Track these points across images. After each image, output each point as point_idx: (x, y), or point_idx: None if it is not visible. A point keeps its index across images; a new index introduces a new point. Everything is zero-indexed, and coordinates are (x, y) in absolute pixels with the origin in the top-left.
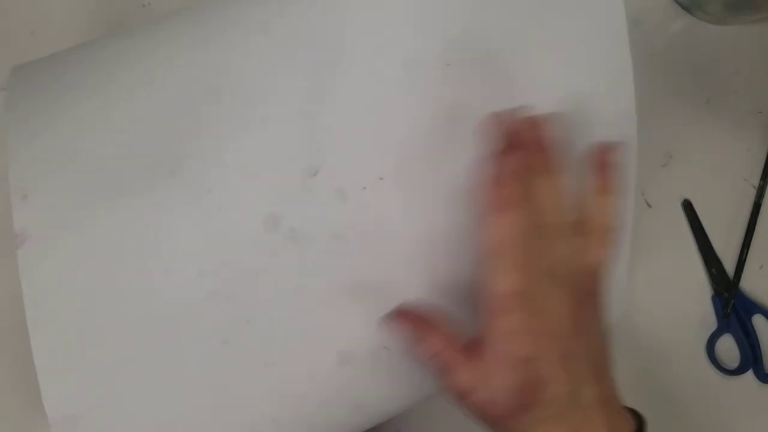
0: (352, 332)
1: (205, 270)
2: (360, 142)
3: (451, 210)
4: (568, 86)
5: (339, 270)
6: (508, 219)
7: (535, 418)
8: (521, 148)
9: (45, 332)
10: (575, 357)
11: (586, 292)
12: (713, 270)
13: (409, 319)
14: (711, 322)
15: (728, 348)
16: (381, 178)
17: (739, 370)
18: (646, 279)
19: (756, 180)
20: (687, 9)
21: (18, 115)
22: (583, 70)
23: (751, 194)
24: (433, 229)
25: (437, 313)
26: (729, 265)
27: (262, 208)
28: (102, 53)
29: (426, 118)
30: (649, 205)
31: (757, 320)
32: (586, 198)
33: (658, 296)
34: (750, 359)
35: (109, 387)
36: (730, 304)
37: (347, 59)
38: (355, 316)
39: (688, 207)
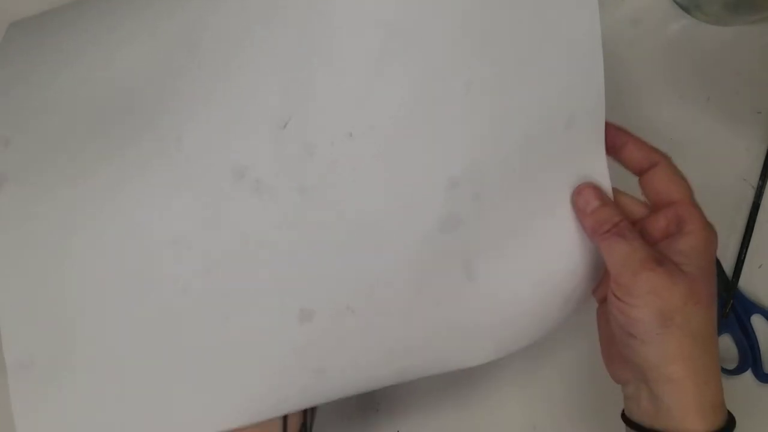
0: (315, 289)
1: (170, 218)
2: (331, 96)
3: (420, 170)
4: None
5: (302, 225)
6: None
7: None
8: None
9: (9, 281)
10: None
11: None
12: None
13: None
14: None
15: (727, 348)
16: (350, 135)
17: (737, 370)
18: None
19: (755, 180)
20: (686, 9)
21: (5, 68)
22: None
23: (750, 194)
24: (399, 189)
25: None
26: (728, 265)
27: (229, 158)
28: (88, 14)
29: (400, 77)
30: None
31: (756, 320)
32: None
33: None
34: (749, 359)
35: (65, 335)
36: (729, 303)
37: (325, 18)
38: (318, 273)
39: None
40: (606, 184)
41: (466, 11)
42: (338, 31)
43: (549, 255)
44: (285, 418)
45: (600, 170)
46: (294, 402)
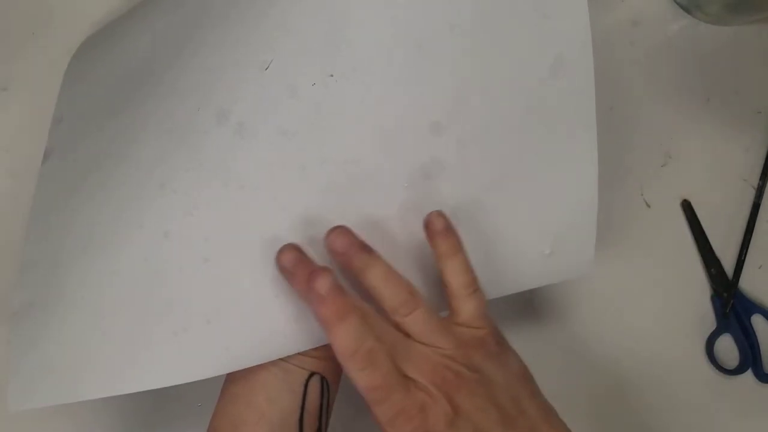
0: (295, 234)
1: (157, 160)
2: (311, 36)
3: (403, 113)
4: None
5: (284, 167)
6: (345, 326)
7: None
8: (336, 254)
9: (35, 233)
10: (464, 414)
11: (468, 345)
12: (712, 270)
13: None
14: (710, 322)
15: (727, 348)
16: (331, 75)
17: (738, 370)
18: (646, 279)
19: (755, 180)
20: (686, 9)
21: (73, 67)
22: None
23: (751, 194)
24: (382, 132)
25: None
26: (728, 265)
27: (213, 102)
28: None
29: (383, 16)
30: (649, 205)
31: (756, 320)
32: (438, 264)
33: (657, 296)
34: (749, 359)
35: (59, 278)
36: (730, 304)
37: None
38: (300, 216)
39: (687, 207)
40: (592, 155)
41: None
42: None
43: (531, 209)
44: (301, 420)
45: (587, 127)
46: (273, 350)
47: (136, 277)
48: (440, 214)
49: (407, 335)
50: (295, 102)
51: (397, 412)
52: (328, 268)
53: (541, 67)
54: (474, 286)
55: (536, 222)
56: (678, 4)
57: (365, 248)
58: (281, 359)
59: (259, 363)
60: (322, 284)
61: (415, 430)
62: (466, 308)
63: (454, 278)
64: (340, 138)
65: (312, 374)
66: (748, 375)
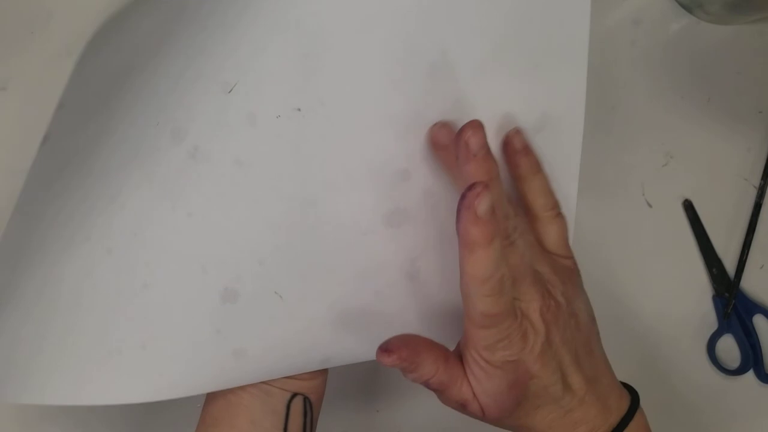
0: (242, 269)
1: (114, 170)
2: (282, 66)
3: (369, 156)
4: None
5: (235, 199)
6: (488, 252)
7: (530, 408)
8: (480, 171)
9: (9, 227)
10: (553, 348)
11: (561, 274)
12: (714, 270)
13: (401, 351)
14: (711, 322)
15: (729, 348)
16: (298, 110)
17: (739, 371)
18: (647, 279)
19: (756, 180)
20: (687, 8)
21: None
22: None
23: (752, 194)
24: (345, 173)
25: (421, 339)
26: (730, 265)
27: (171, 119)
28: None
29: (362, 51)
30: (650, 205)
31: (758, 320)
32: (518, 185)
33: (658, 296)
34: (751, 359)
35: (13, 276)
36: (731, 304)
37: None
38: (247, 253)
39: (688, 207)
40: (571, 203)
41: None
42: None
43: None
44: (286, 420)
45: (568, 183)
46: (209, 382)
47: (77, 291)
48: (519, 131)
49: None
50: (255, 132)
51: (501, 338)
52: (487, 185)
53: (526, 121)
54: (557, 208)
55: None
56: (679, 3)
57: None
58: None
59: (198, 393)
60: (482, 203)
61: (510, 356)
62: (552, 232)
63: (538, 199)
64: (299, 176)
65: (294, 395)
66: (750, 375)
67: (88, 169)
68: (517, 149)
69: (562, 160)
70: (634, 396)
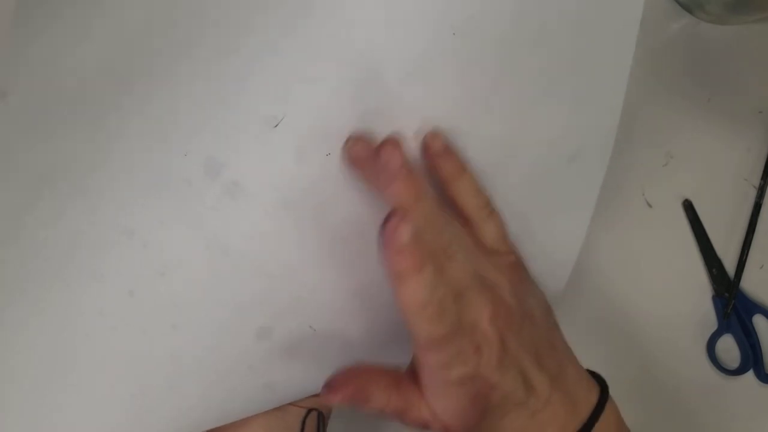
0: (279, 306)
1: (123, 202)
2: (335, 101)
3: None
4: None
5: (279, 239)
6: (420, 278)
7: (496, 418)
8: (405, 192)
9: None
10: (511, 354)
11: (507, 273)
12: (714, 270)
13: (346, 387)
14: (711, 322)
15: (729, 348)
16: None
17: (739, 371)
18: (647, 279)
19: (756, 180)
20: (687, 9)
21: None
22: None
23: (752, 194)
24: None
25: (367, 368)
26: (729, 265)
27: (204, 149)
28: None
29: (417, 85)
30: (650, 205)
31: (758, 320)
32: (445, 190)
33: (658, 296)
34: (750, 359)
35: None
36: (731, 304)
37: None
38: (287, 291)
39: (688, 207)
40: (581, 231)
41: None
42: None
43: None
44: (303, 423)
45: (585, 210)
46: (237, 412)
47: (86, 327)
48: (437, 133)
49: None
50: (304, 169)
51: (453, 357)
52: (406, 213)
53: (562, 155)
54: (490, 205)
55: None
56: (679, 3)
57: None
58: None
59: (222, 423)
60: (403, 233)
61: (467, 372)
62: (490, 231)
63: (469, 200)
64: (345, 213)
65: (309, 411)
66: (750, 375)
67: (83, 198)
68: (437, 152)
69: (583, 192)
70: (603, 386)
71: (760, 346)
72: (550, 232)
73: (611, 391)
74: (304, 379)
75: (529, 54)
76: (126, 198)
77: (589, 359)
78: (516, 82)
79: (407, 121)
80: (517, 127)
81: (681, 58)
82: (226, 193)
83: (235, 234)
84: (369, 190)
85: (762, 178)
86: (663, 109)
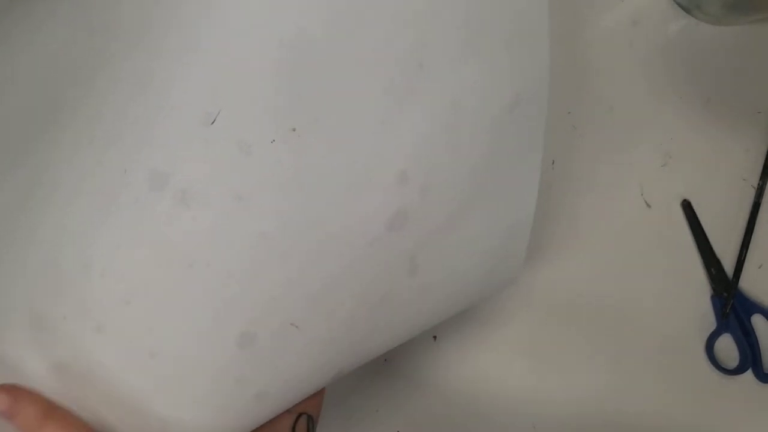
0: (256, 309)
1: (80, 235)
2: (269, 86)
3: (370, 164)
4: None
5: (240, 237)
6: None
7: None
8: None
9: None
10: None
11: None
12: (712, 270)
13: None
14: (710, 322)
15: (727, 348)
16: (294, 130)
17: (738, 370)
18: (645, 279)
19: (755, 180)
20: (686, 9)
21: None
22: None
23: (751, 194)
24: (347, 188)
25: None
26: (728, 265)
27: (143, 161)
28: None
29: (345, 60)
30: (649, 205)
31: (757, 320)
32: None
33: (657, 296)
34: (749, 359)
35: None
36: (730, 304)
37: None
38: (259, 291)
39: (687, 207)
40: (532, 194)
41: None
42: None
43: (477, 237)
44: (293, 429)
45: (532, 163)
46: (230, 428)
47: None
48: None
49: None
50: (251, 161)
51: None
52: None
53: (502, 105)
54: None
55: (480, 251)
56: (678, 4)
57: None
58: None
59: None
60: None
61: None
62: None
63: None
64: (303, 199)
65: (299, 416)
66: (748, 375)
67: (26, 230)
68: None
69: (528, 143)
70: None
71: (758, 346)
72: (502, 188)
73: (609, 391)
74: (295, 381)
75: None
76: (73, 229)
77: (588, 359)
78: (438, 44)
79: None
80: (453, 80)
81: (680, 59)
82: (178, 203)
83: (196, 243)
84: None
85: (761, 178)
86: (662, 110)
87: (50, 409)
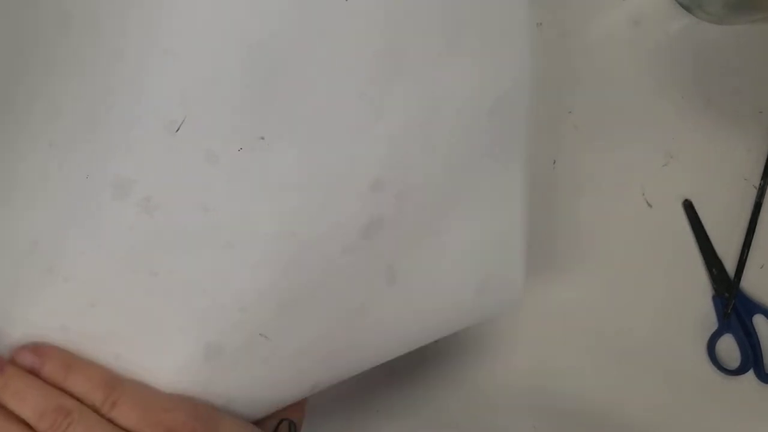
0: (222, 319)
1: (40, 242)
2: (237, 93)
3: (343, 171)
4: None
5: (206, 247)
6: None
7: None
8: None
9: None
10: None
11: None
12: (714, 270)
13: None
14: (711, 323)
15: (729, 348)
16: (262, 138)
17: (739, 371)
18: (647, 279)
19: (756, 180)
20: (687, 9)
21: None
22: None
23: (752, 194)
24: (319, 195)
25: None
26: (730, 265)
27: (107, 170)
28: None
29: (314, 65)
30: (650, 205)
31: (758, 320)
32: None
33: (658, 296)
34: (751, 359)
35: None
36: (731, 304)
37: None
38: (226, 300)
39: (688, 207)
40: (518, 201)
41: None
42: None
43: (461, 251)
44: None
45: (515, 169)
46: None
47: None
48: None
49: None
50: (218, 171)
51: None
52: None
53: (481, 109)
54: None
55: (466, 263)
56: (679, 3)
57: None
58: None
59: None
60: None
61: None
62: None
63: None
64: (272, 209)
65: (281, 421)
66: (750, 375)
67: None
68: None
69: (510, 148)
70: None
71: (760, 346)
72: (483, 194)
73: (610, 392)
74: (266, 392)
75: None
76: (37, 232)
77: (589, 359)
78: (416, 47)
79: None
80: (429, 85)
81: (681, 58)
82: (142, 211)
83: (160, 252)
84: None
85: (762, 178)
86: (663, 109)
87: (72, 359)
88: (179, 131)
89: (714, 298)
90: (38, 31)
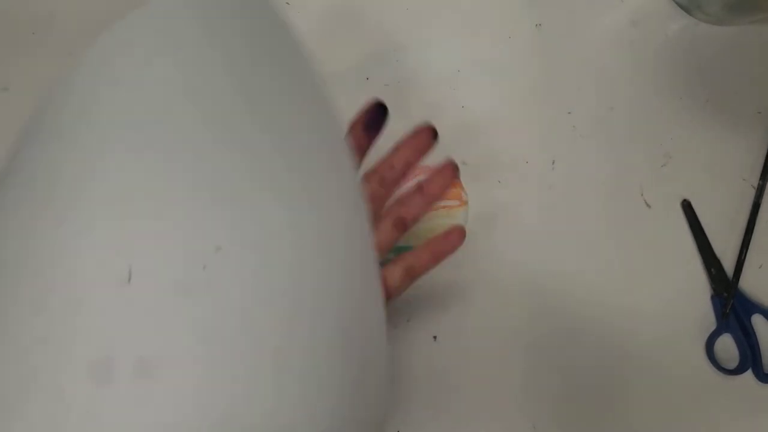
0: None
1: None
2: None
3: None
4: None
5: (178, 404)
6: None
7: None
8: None
9: None
10: None
11: None
12: (712, 270)
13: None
14: (710, 322)
15: (727, 348)
16: (204, 267)
17: (738, 370)
18: (646, 279)
19: (755, 180)
20: (686, 9)
21: None
22: None
23: (750, 194)
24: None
25: None
26: (728, 265)
27: (76, 354)
28: None
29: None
30: (649, 206)
31: (757, 320)
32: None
33: (657, 296)
34: (749, 359)
35: None
36: (730, 304)
37: None
38: None
39: (687, 207)
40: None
41: None
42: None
43: None
44: None
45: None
46: None
47: None
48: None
49: None
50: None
51: None
52: None
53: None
54: None
55: None
56: (678, 4)
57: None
58: None
59: None
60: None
61: None
62: None
63: None
64: (237, 345)
65: None
66: (748, 375)
67: None
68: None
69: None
70: None
71: (758, 346)
72: None
73: (610, 391)
74: None
75: None
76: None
77: (587, 358)
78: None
79: None
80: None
81: (680, 59)
82: (95, 381)
83: (116, 423)
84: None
85: (760, 178)
86: (662, 110)
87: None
88: (132, 281)
89: (712, 297)
90: None
